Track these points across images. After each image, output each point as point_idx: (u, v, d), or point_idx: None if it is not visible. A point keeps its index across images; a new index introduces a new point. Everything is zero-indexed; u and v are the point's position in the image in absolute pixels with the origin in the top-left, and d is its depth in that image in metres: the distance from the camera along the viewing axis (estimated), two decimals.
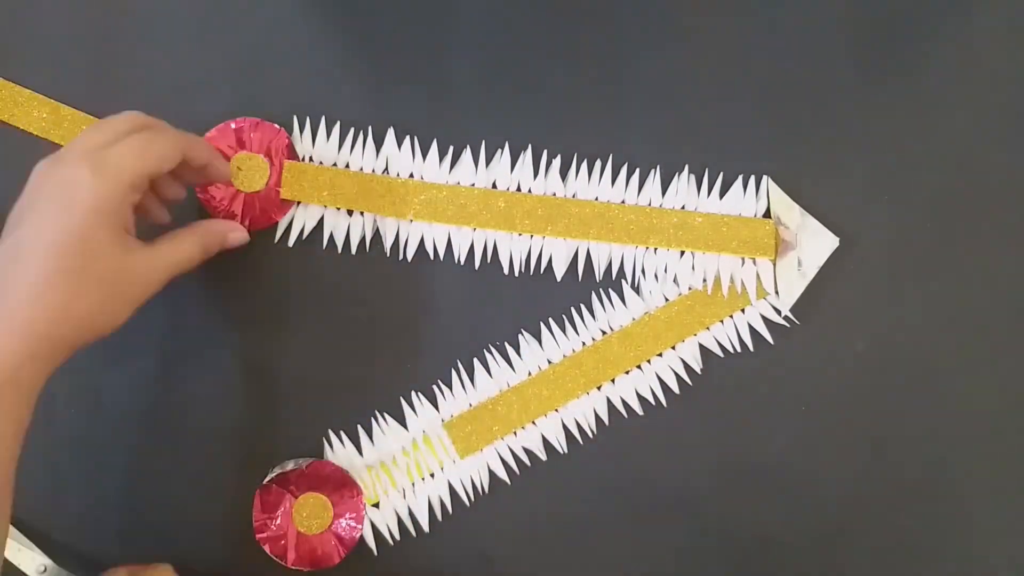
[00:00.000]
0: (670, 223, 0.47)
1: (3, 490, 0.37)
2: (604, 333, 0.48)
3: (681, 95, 0.49)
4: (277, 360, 0.48)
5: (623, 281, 0.48)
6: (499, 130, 0.48)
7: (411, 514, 0.47)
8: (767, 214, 0.48)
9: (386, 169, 0.48)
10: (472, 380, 0.48)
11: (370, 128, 0.48)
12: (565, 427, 0.48)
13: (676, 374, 0.48)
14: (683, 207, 0.48)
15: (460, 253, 0.48)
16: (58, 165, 0.38)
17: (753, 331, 0.48)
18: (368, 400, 0.48)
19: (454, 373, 0.48)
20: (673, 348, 0.48)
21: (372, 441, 0.48)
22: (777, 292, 0.48)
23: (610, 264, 0.48)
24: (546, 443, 0.48)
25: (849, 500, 0.48)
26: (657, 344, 0.48)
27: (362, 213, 0.48)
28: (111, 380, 0.48)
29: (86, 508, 0.47)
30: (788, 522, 0.48)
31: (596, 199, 0.48)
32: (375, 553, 0.47)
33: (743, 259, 0.48)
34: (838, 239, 0.47)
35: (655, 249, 0.48)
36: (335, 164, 0.48)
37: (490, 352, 0.48)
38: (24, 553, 0.46)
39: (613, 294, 0.48)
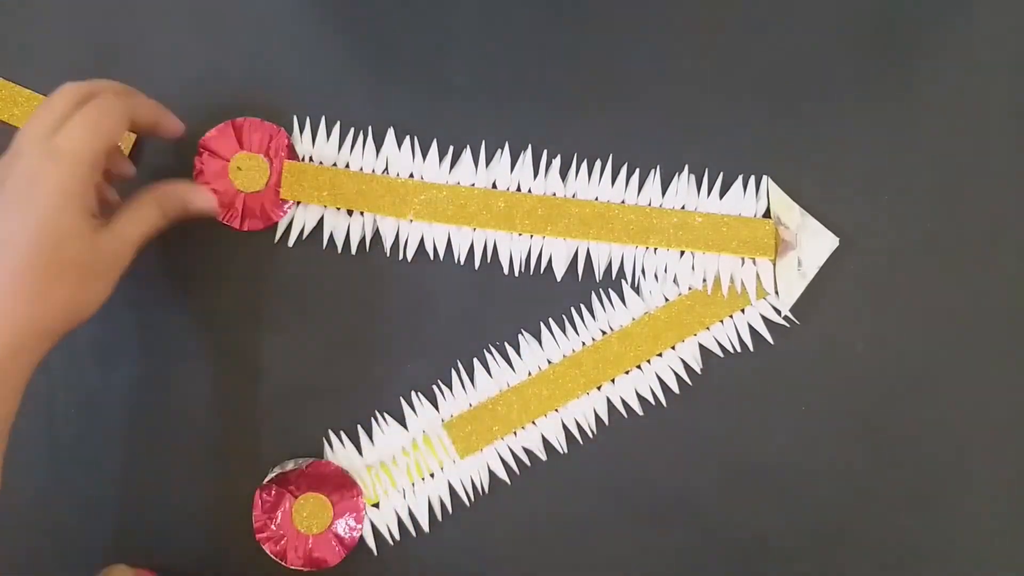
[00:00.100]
0: (670, 223, 0.47)
1: None
2: (604, 333, 0.48)
3: (681, 95, 0.49)
4: (277, 360, 0.48)
5: (623, 281, 0.48)
6: (499, 130, 0.48)
7: (411, 514, 0.47)
8: (767, 214, 0.48)
9: (386, 169, 0.48)
10: (472, 380, 0.48)
11: (370, 128, 0.48)
12: (565, 427, 0.48)
13: (676, 374, 0.48)
14: (683, 207, 0.48)
15: (460, 253, 0.48)
16: (16, 159, 0.38)
17: (753, 331, 0.48)
18: (368, 400, 0.48)
19: (454, 373, 0.48)
20: (673, 348, 0.48)
21: (372, 441, 0.48)
22: (777, 292, 0.48)
23: (610, 264, 0.48)
24: (546, 443, 0.48)
25: (849, 500, 0.48)
26: (657, 344, 0.48)
27: (362, 213, 0.48)
28: (111, 380, 0.48)
29: (85, 508, 0.47)
30: (788, 522, 0.48)
31: (596, 199, 0.48)
32: (375, 553, 0.47)
33: (743, 259, 0.48)
34: (838, 239, 0.47)
35: (655, 249, 0.48)
36: (335, 164, 0.48)
37: (490, 352, 0.48)
38: None
39: (613, 294, 0.48)
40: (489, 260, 0.48)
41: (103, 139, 0.39)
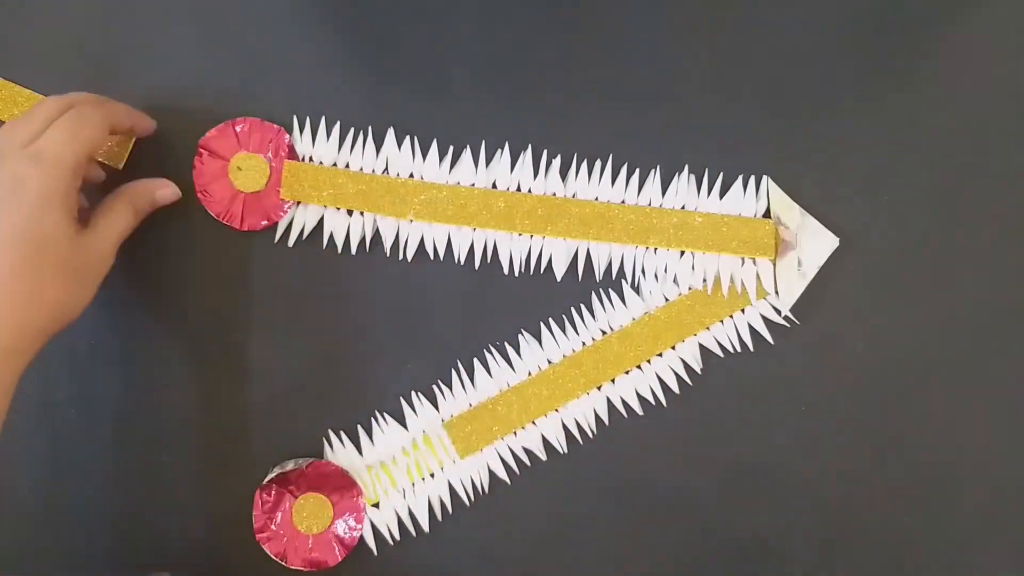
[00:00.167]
0: (670, 223, 0.47)
1: None
2: (604, 333, 0.48)
3: (681, 95, 0.49)
4: (277, 360, 0.48)
5: (623, 281, 0.48)
6: (499, 130, 0.48)
7: (411, 514, 0.47)
8: (767, 214, 0.48)
9: (386, 169, 0.48)
10: (472, 380, 0.48)
11: (370, 128, 0.48)
12: (565, 427, 0.48)
13: (676, 374, 0.48)
14: (683, 207, 0.48)
15: (460, 253, 0.48)
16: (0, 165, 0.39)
17: (753, 331, 0.48)
18: (368, 400, 0.48)
19: (454, 373, 0.48)
20: (673, 348, 0.48)
21: (372, 441, 0.48)
22: (777, 292, 0.48)
23: (610, 264, 0.48)
24: (546, 443, 0.48)
25: (849, 500, 0.48)
26: (657, 344, 0.48)
27: (362, 213, 0.48)
28: (111, 381, 0.48)
29: (85, 508, 0.47)
30: (788, 522, 0.48)
31: (596, 199, 0.48)
32: (375, 553, 0.47)
33: (743, 259, 0.48)
34: (838, 239, 0.47)
35: (655, 249, 0.48)
36: (335, 164, 0.48)
37: (490, 352, 0.48)
38: None
39: (613, 294, 0.48)
40: (489, 260, 0.48)
41: (84, 145, 0.40)
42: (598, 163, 0.48)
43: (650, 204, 0.48)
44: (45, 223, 0.38)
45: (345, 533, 0.46)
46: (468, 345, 0.48)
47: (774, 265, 0.48)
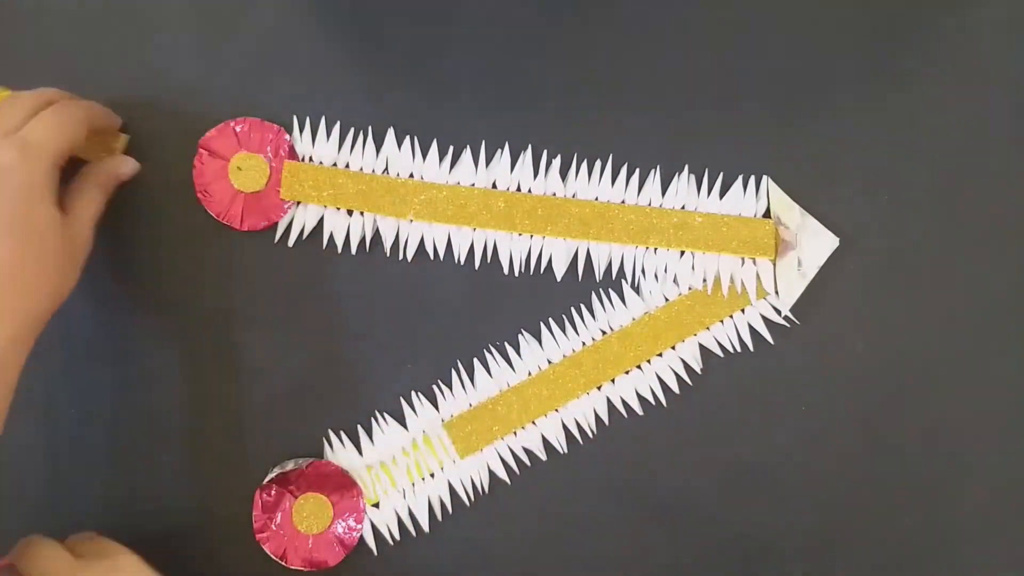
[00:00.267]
0: (670, 223, 0.47)
1: None
2: (604, 333, 0.48)
3: (681, 95, 0.49)
4: (277, 360, 0.48)
5: (623, 281, 0.48)
6: (499, 130, 0.48)
7: (411, 514, 0.47)
8: (767, 214, 0.48)
9: (386, 169, 0.48)
10: (472, 380, 0.48)
11: (370, 128, 0.48)
12: (565, 427, 0.48)
13: (676, 374, 0.48)
14: (683, 207, 0.48)
15: (460, 253, 0.48)
16: None
17: (753, 331, 0.48)
18: (368, 400, 0.48)
19: (454, 373, 0.48)
20: (673, 348, 0.48)
21: (372, 441, 0.48)
22: (777, 292, 0.48)
23: (610, 264, 0.48)
24: (546, 443, 0.48)
25: (849, 500, 0.48)
26: (657, 344, 0.48)
27: (362, 213, 0.48)
28: (110, 380, 0.48)
29: (84, 508, 0.47)
30: (788, 522, 0.48)
31: (596, 199, 0.48)
32: (375, 553, 0.47)
33: (743, 259, 0.48)
34: (838, 239, 0.47)
35: (655, 249, 0.48)
36: (335, 164, 0.48)
37: (490, 352, 0.48)
38: None
39: (613, 294, 0.48)
40: (489, 260, 0.48)
41: (66, 138, 0.41)
42: (598, 163, 0.48)
43: (650, 204, 0.48)
44: (34, 212, 0.39)
45: (345, 533, 0.46)
46: (468, 345, 0.48)
47: (774, 265, 0.48)
